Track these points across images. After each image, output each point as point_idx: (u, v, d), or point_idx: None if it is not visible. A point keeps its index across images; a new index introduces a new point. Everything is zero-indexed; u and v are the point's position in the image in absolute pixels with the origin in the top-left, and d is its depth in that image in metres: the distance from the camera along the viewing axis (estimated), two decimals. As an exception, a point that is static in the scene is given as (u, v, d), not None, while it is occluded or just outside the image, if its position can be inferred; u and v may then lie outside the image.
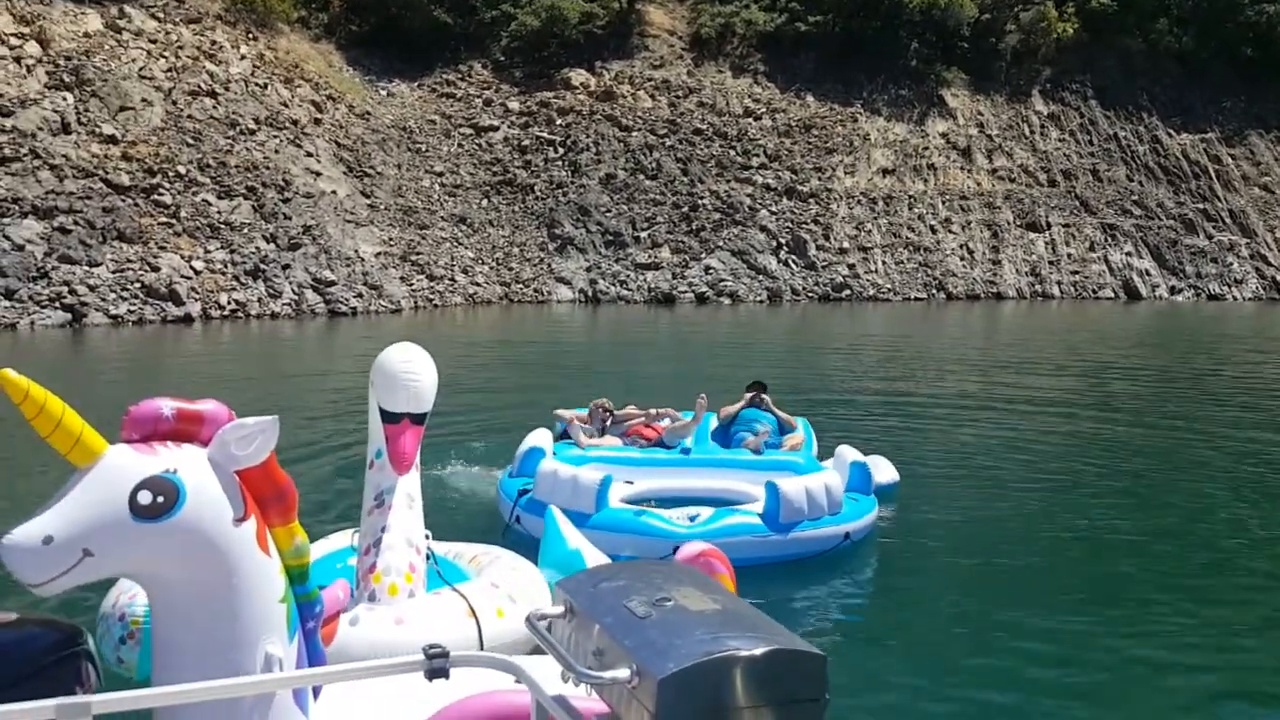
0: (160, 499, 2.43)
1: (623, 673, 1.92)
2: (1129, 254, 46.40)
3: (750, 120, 44.98)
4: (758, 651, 1.89)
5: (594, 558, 5.16)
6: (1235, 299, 45.80)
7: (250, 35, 37.25)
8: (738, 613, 2.07)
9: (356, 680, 2.62)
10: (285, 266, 29.76)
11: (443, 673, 2.30)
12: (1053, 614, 6.54)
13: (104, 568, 2.42)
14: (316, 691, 2.95)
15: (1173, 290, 45.93)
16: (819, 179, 43.84)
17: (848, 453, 8.48)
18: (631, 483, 8.33)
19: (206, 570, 2.55)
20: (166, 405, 2.57)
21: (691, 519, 7.20)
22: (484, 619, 4.65)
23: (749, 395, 9.62)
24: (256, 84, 35.26)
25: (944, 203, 45.16)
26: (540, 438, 8.67)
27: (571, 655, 2.12)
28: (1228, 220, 48.60)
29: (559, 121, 42.72)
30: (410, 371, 4.65)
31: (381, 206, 35.57)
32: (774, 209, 42.26)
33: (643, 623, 2.01)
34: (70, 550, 2.34)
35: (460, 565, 5.48)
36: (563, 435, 9.26)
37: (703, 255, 40.10)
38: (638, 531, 6.95)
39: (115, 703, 2.17)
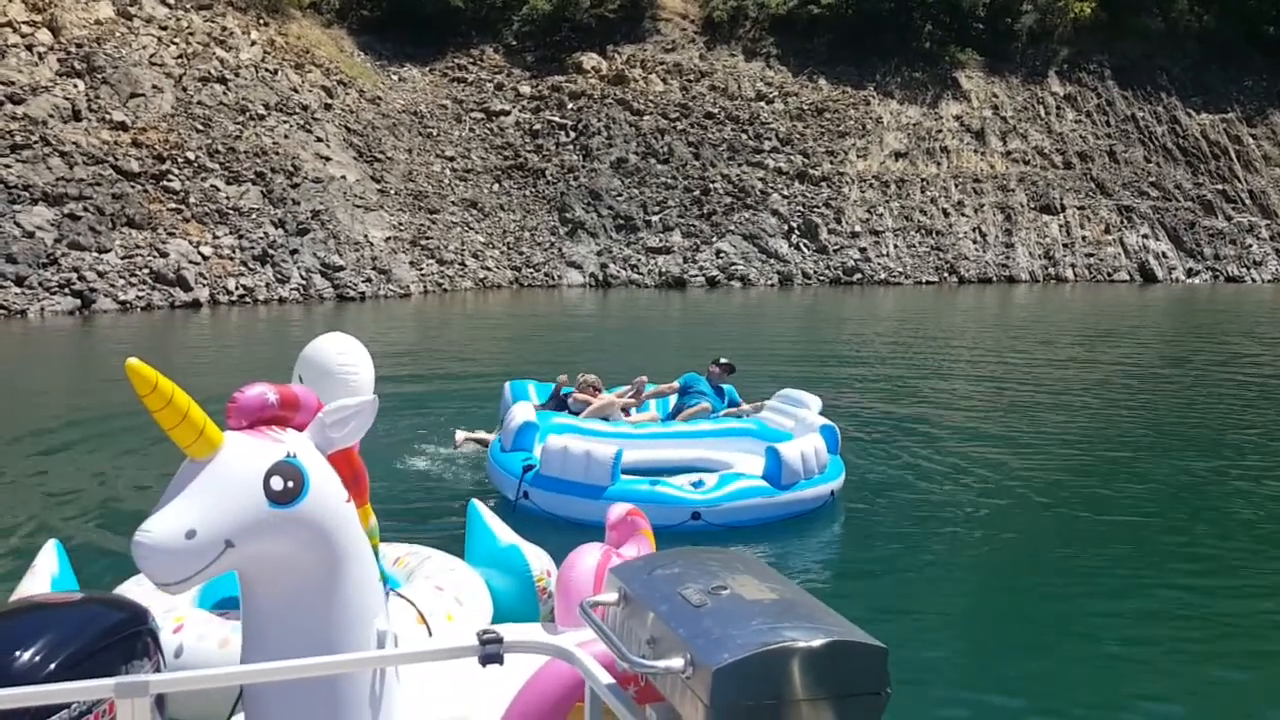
0: (290, 484, 2.40)
1: (676, 662, 1.86)
2: (1145, 236, 45.92)
3: (762, 104, 44.75)
4: (816, 643, 1.82)
5: (533, 553, 4.99)
6: (1254, 281, 45.27)
7: (261, 21, 37.37)
8: (796, 602, 2.00)
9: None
10: (293, 251, 29.95)
11: (497, 658, 2.24)
12: (1032, 572, 6.92)
13: (238, 560, 2.36)
14: None
15: (1190, 272, 45.45)
16: (831, 162, 43.61)
17: (811, 415, 8.95)
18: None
19: (328, 553, 2.52)
20: (270, 391, 2.55)
21: (695, 485, 7.62)
22: (434, 625, 4.39)
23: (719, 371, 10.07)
24: (267, 70, 35.40)
25: (957, 186, 44.82)
26: (528, 411, 8.84)
27: (624, 643, 2.07)
28: (1247, 201, 47.97)
29: (570, 105, 42.66)
30: (348, 365, 4.08)
31: (392, 191, 35.69)
32: (786, 193, 42.10)
33: (698, 611, 1.95)
34: (214, 543, 2.26)
35: (383, 567, 5.17)
36: (542, 406, 9.50)
37: (714, 239, 40.02)
38: (656, 501, 7.30)
39: (175, 683, 2.14)
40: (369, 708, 2.62)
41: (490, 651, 2.24)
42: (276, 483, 2.38)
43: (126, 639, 2.57)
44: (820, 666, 1.82)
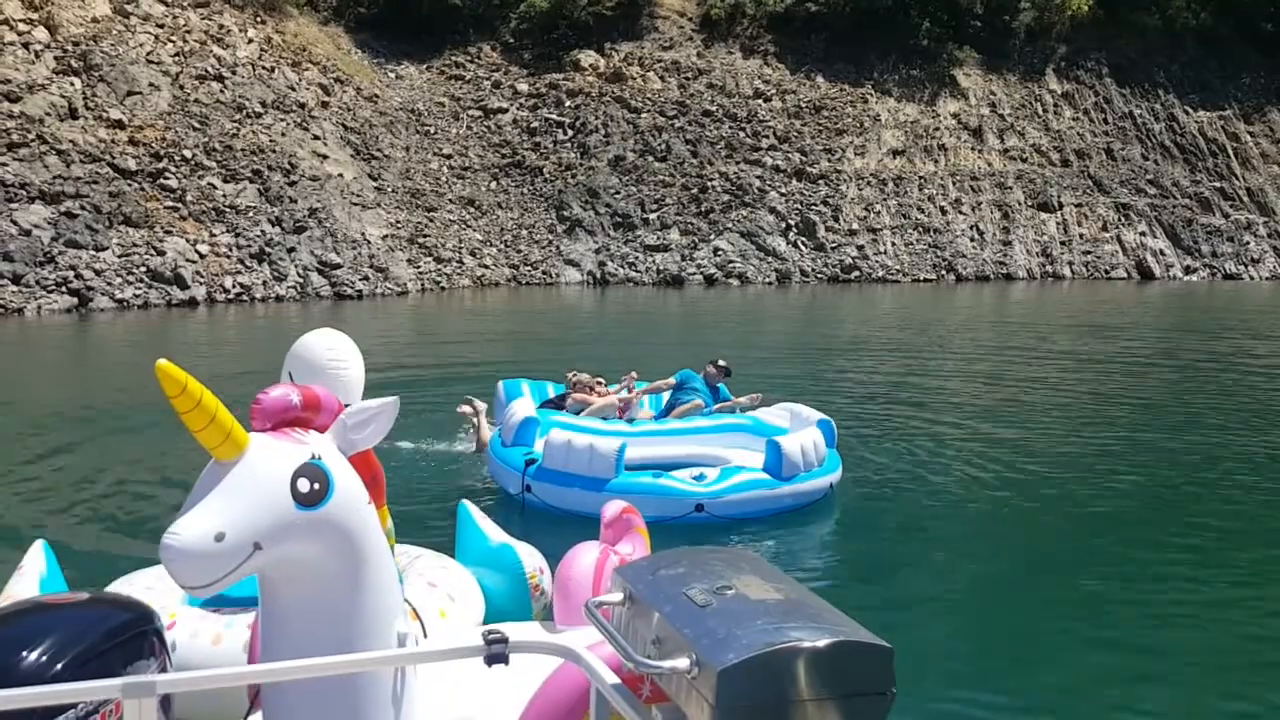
0: (316, 486, 2.39)
1: (682, 663, 1.86)
2: (1143, 234, 45.94)
3: (760, 102, 44.75)
4: (821, 643, 1.82)
5: (525, 551, 4.94)
6: (1251, 278, 45.30)
7: (258, 18, 37.31)
8: (801, 602, 2.00)
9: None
10: (290, 249, 29.91)
11: (502, 658, 2.23)
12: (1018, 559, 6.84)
13: (264, 563, 2.34)
14: None
15: (1187, 270, 45.47)
16: (829, 160, 43.61)
17: (807, 411, 9.04)
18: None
19: (351, 555, 2.51)
20: (293, 392, 2.53)
21: (698, 478, 7.68)
22: (427, 621, 4.33)
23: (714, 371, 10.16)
24: (264, 67, 35.36)
25: (954, 183, 44.82)
26: (528, 406, 8.85)
27: (630, 643, 2.07)
28: (1245, 199, 47.99)
29: (568, 103, 42.64)
30: (338, 360, 4.06)
31: (389, 189, 35.66)
32: (783, 190, 42.10)
33: (703, 611, 1.95)
34: (243, 546, 2.25)
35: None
36: (546, 404, 9.49)
37: (711, 237, 40.01)
38: (659, 494, 7.47)
39: (181, 683, 2.14)
40: (390, 707, 2.61)
41: (496, 651, 2.23)
42: (303, 485, 2.37)
43: (133, 639, 2.57)
44: (826, 666, 1.81)
